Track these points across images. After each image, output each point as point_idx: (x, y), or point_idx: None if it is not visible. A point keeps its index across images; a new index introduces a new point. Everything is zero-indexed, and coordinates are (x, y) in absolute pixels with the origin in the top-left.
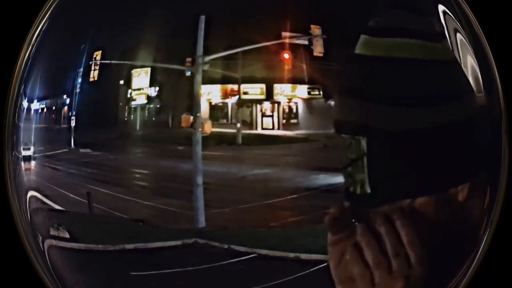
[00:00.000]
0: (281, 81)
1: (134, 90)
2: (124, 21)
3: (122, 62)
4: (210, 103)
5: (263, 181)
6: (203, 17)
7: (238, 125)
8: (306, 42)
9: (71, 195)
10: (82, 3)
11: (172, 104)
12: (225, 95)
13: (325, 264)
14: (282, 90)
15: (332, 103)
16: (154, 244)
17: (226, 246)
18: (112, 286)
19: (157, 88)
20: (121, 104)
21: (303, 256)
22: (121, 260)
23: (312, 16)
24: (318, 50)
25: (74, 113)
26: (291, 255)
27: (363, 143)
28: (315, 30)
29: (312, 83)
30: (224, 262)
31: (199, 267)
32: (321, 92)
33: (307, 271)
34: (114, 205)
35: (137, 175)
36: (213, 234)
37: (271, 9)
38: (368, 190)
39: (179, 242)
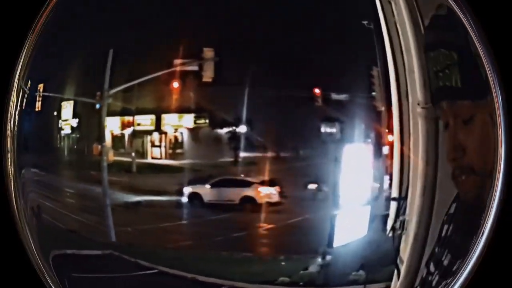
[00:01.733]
0: (168, 111)
1: (63, 120)
2: (60, 56)
3: (48, 94)
4: (112, 134)
5: (154, 207)
6: (111, 51)
7: (133, 154)
8: (197, 68)
9: (28, 207)
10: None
11: (87, 134)
12: (123, 126)
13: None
14: (169, 121)
15: (222, 130)
16: (84, 252)
17: (133, 260)
18: (64, 285)
19: (77, 120)
20: (54, 132)
21: (200, 278)
22: (65, 263)
23: (205, 40)
24: (207, 75)
25: (25, 137)
26: (189, 275)
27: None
28: (207, 53)
29: (199, 111)
30: (134, 274)
31: (116, 275)
32: (207, 120)
33: None
34: (56, 217)
35: (68, 194)
36: (123, 248)
37: (168, 38)
38: None
39: (99, 252)
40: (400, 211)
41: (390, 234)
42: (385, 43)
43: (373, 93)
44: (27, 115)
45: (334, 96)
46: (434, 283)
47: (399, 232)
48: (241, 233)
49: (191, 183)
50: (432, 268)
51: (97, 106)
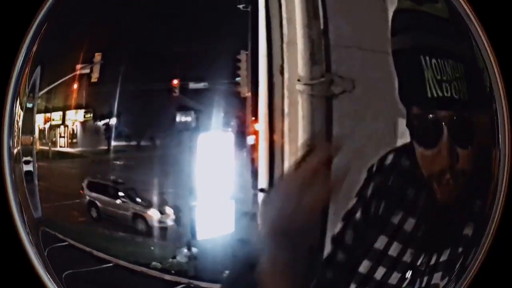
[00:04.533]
0: (69, 108)
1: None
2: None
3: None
4: (39, 127)
5: (61, 187)
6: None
7: (49, 144)
8: (89, 71)
9: None
10: None
11: (25, 128)
12: (45, 121)
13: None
14: (69, 116)
15: (100, 123)
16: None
17: (53, 233)
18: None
19: (22, 116)
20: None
21: (95, 253)
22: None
23: (96, 46)
24: (95, 76)
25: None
26: (87, 249)
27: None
28: (97, 57)
29: (87, 107)
30: (53, 246)
31: (47, 248)
32: (91, 115)
33: (99, 267)
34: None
35: (20, 178)
36: (46, 222)
37: (73, 48)
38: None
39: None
40: None
41: None
42: (259, 19)
43: (238, 79)
44: None
45: (192, 85)
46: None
47: None
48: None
49: None
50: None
51: (31, 106)
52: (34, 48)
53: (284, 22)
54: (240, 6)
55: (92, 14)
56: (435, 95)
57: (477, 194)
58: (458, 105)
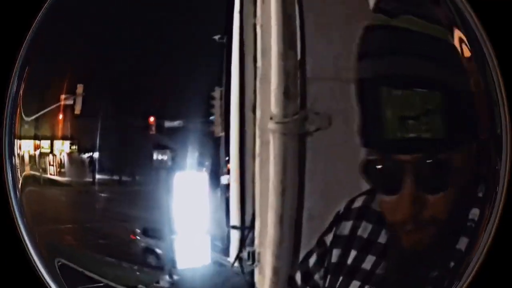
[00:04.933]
0: (56, 138)
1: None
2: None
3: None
4: (29, 153)
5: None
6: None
7: (40, 170)
8: (72, 102)
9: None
10: None
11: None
12: (35, 148)
13: None
14: (57, 146)
15: (85, 155)
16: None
17: (52, 257)
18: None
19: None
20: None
21: (87, 273)
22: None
23: (77, 78)
24: (78, 108)
25: None
26: (79, 269)
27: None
28: (79, 89)
29: (72, 139)
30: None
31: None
32: (76, 146)
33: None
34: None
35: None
36: (45, 246)
37: (56, 78)
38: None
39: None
40: (245, 242)
41: (237, 265)
42: (232, 54)
43: (212, 117)
44: None
45: (167, 123)
46: None
47: (249, 263)
48: (106, 241)
49: None
50: None
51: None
52: (22, 86)
53: (258, 54)
54: (216, 38)
55: (74, 46)
56: (394, 136)
57: (456, 240)
58: (428, 145)
